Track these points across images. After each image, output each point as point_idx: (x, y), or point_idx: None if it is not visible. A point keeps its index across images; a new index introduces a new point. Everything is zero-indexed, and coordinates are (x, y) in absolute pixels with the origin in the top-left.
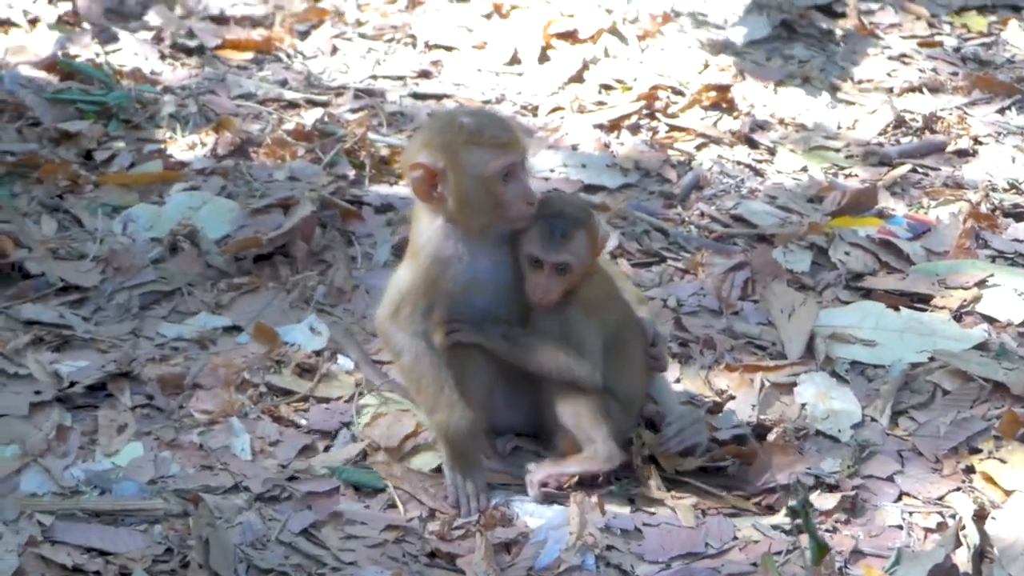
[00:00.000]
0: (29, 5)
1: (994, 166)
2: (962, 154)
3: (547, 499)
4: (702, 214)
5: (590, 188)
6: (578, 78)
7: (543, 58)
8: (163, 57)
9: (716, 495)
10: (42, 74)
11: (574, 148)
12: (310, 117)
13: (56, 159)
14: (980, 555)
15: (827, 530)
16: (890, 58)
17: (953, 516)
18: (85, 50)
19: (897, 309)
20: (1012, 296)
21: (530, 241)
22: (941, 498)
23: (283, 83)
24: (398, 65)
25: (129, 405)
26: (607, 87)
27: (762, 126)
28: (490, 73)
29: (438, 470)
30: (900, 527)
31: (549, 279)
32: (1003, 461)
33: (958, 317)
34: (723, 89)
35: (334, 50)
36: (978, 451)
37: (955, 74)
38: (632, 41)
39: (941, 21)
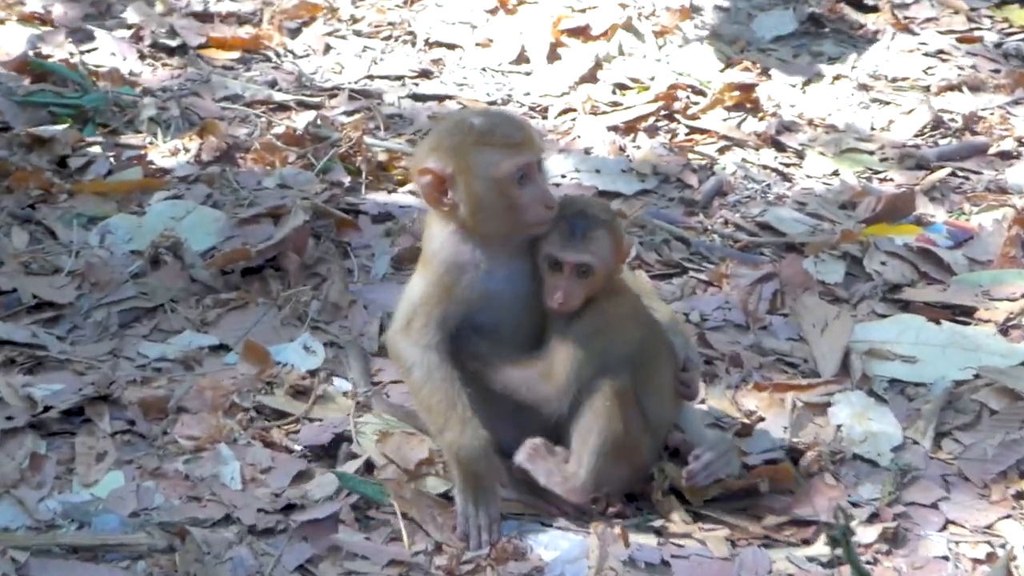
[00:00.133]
0: None
1: None
2: (1005, 156)
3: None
4: (726, 222)
5: (605, 195)
6: (591, 77)
7: (553, 56)
8: (143, 57)
9: (747, 526)
10: (12, 75)
11: (587, 152)
12: (302, 120)
13: (28, 166)
14: None
15: (867, 562)
16: (927, 54)
17: (1003, 546)
18: (58, 49)
19: (938, 323)
20: None
21: (549, 241)
22: (990, 526)
23: (272, 84)
24: (396, 64)
25: (109, 431)
26: (622, 87)
27: (789, 127)
28: (496, 72)
29: (445, 495)
30: (946, 558)
31: (569, 282)
32: None
33: (1004, 331)
34: (747, 88)
35: (327, 48)
36: None
37: (996, 71)
38: (648, 37)
39: (981, 15)
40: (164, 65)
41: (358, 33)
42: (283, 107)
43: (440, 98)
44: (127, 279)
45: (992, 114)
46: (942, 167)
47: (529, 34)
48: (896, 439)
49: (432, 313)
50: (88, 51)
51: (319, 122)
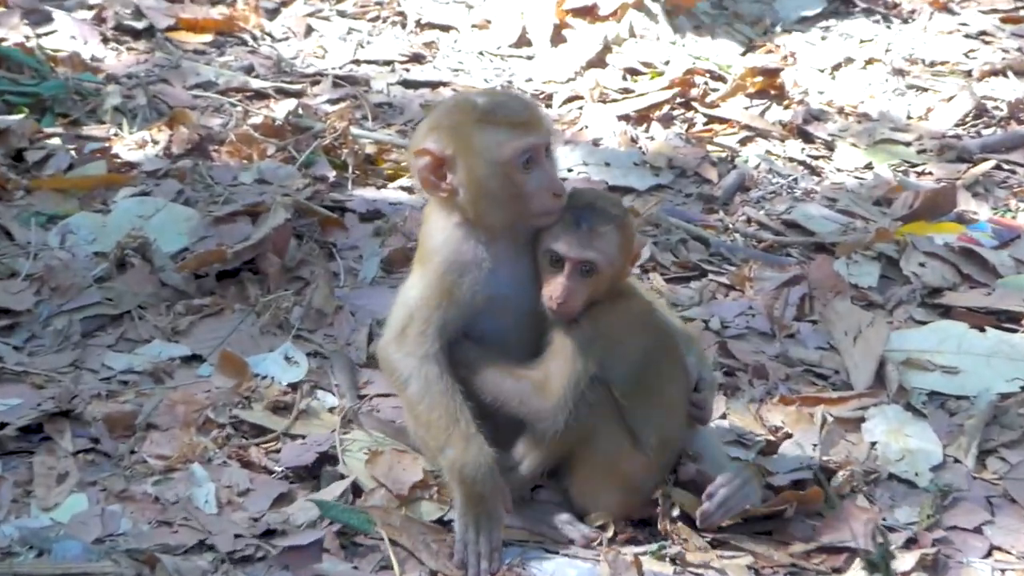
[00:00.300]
0: None
1: None
2: None
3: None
4: (749, 220)
5: (615, 190)
6: (599, 62)
7: (557, 39)
8: (106, 40)
9: (772, 553)
10: None
11: (595, 143)
12: (281, 109)
13: None
14: None
15: None
16: (968, 36)
17: None
18: (13, 32)
19: (982, 330)
20: None
21: (551, 235)
22: None
23: (248, 70)
24: (384, 48)
25: (71, 450)
26: (633, 72)
27: (818, 116)
28: (494, 56)
29: (440, 521)
30: None
31: (570, 281)
32: None
33: None
34: (771, 73)
35: (308, 31)
36: None
37: None
38: (661, 18)
39: None
40: (129, 49)
41: (342, 14)
42: (261, 95)
43: (433, 85)
44: (90, 284)
45: None
46: (986, 159)
47: (531, 14)
48: (936, 457)
49: (430, 319)
50: (46, 34)
51: (300, 111)
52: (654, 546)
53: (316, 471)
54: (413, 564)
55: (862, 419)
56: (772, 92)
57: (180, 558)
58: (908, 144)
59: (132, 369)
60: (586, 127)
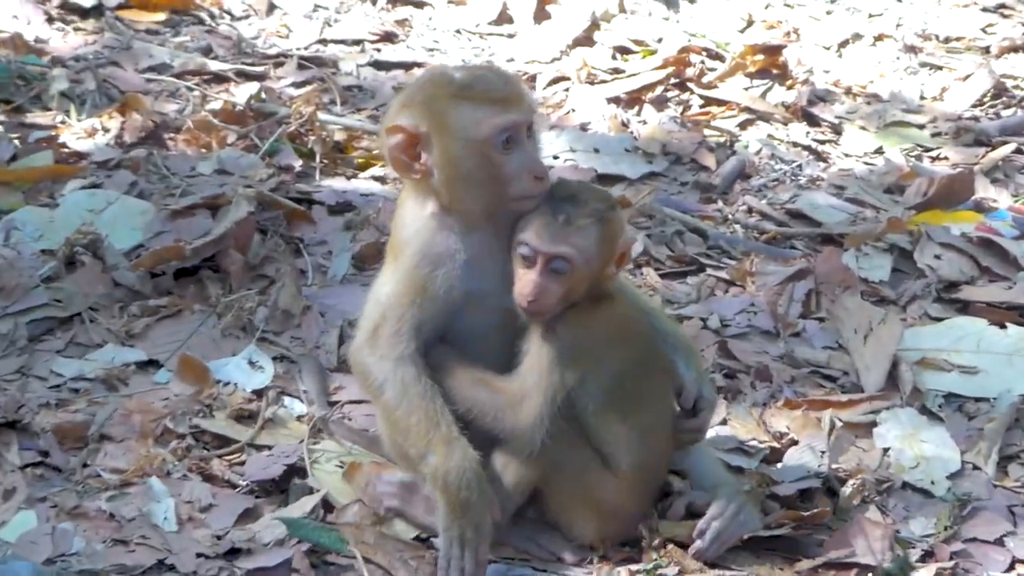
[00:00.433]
0: None
1: None
2: None
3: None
4: (750, 210)
5: (605, 179)
6: (586, 40)
7: (540, 15)
8: (51, 20)
9: (776, 571)
10: None
11: (583, 128)
12: (242, 94)
13: None
14: None
15: None
16: (985, 9)
17: None
18: None
19: (1003, 326)
20: None
21: (525, 225)
22: None
23: (206, 51)
24: (354, 27)
25: (18, 464)
26: (623, 50)
27: (823, 97)
28: (472, 35)
29: (420, 538)
30: None
31: (542, 278)
32: None
33: None
34: (772, 51)
35: (271, 8)
36: None
37: None
38: None
39: None
40: (77, 30)
41: None
42: (220, 78)
43: (407, 66)
44: (37, 284)
45: None
46: (1005, 143)
47: None
48: (953, 464)
49: (404, 317)
50: None
51: (263, 95)
52: (649, 565)
53: (284, 485)
54: None
55: (874, 424)
56: (774, 71)
57: None
58: (921, 127)
59: (83, 376)
60: (573, 110)
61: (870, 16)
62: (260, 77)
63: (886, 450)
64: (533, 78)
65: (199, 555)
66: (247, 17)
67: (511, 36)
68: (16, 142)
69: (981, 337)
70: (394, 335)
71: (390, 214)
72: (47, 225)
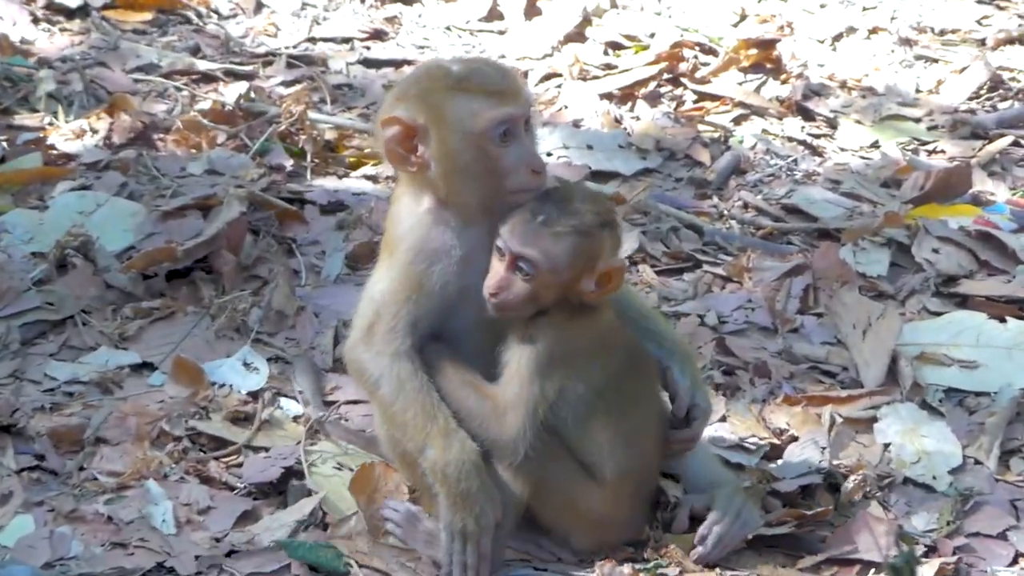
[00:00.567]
0: None
1: None
2: None
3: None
4: (745, 205)
5: (599, 175)
6: (577, 35)
7: (531, 11)
8: (36, 21)
9: (779, 568)
10: None
11: (576, 125)
12: (231, 93)
13: None
14: None
15: None
16: (980, 1)
17: None
18: None
19: (1002, 320)
20: None
21: (507, 218)
22: None
23: (194, 50)
24: (343, 24)
25: (14, 468)
26: (616, 46)
27: (818, 91)
28: (463, 32)
29: None
30: None
31: (507, 274)
32: None
33: None
34: (766, 45)
35: (259, 7)
36: None
37: None
38: None
39: None
40: (63, 30)
41: None
42: (208, 78)
43: (396, 63)
44: (29, 287)
45: None
46: (1002, 135)
47: None
48: (955, 459)
49: (399, 313)
50: None
51: (252, 95)
52: (650, 564)
53: (281, 486)
54: None
55: (874, 419)
56: (768, 65)
57: None
58: (917, 120)
59: (77, 379)
60: (565, 107)
61: (864, 9)
62: (249, 76)
63: (887, 445)
64: (525, 75)
65: (197, 557)
66: (235, 16)
67: (502, 33)
68: (4, 144)
69: (980, 331)
70: (389, 332)
71: (383, 213)
72: (37, 227)
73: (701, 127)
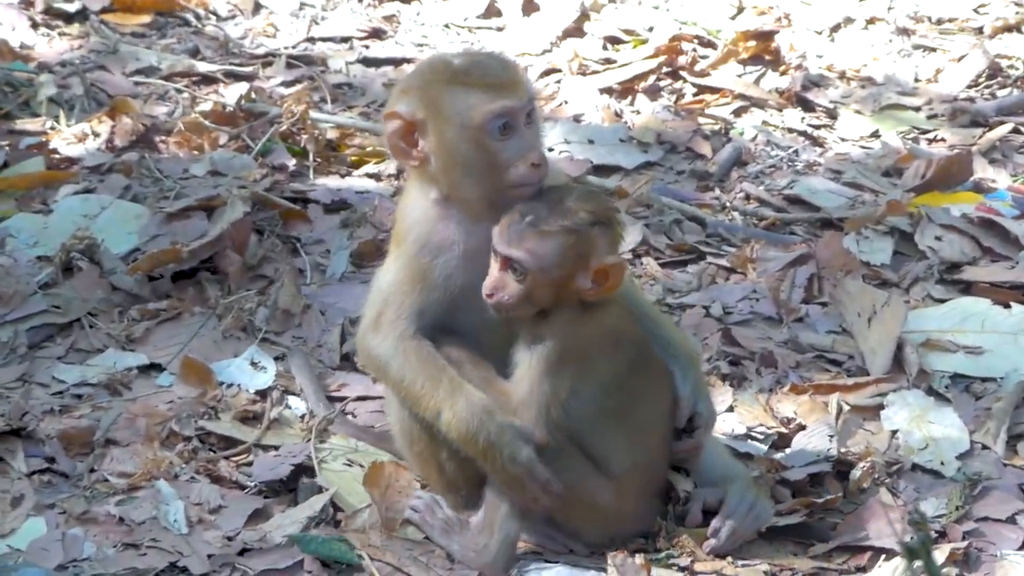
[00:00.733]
0: None
1: None
2: None
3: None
4: (748, 197)
5: (601, 169)
6: (576, 31)
7: (529, 7)
8: (35, 26)
9: (791, 556)
10: None
11: (577, 119)
12: (232, 94)
13: None
14: None
15: None
16: None
17: None
18: None
19: (1007, 306)
20: None
21: (502, 219)
22: None
23: (194, 52)
24: (341, 24)
25: (24, 471)
26: (614, 40)
27: (817, 82)
28: (461, 29)
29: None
30: None
31: (501, 275)
32: None
33: None
34: (765, 37)
35: (256, 8)
36: None
37: None
38: None
39: None
40: (62, 35)
41: None
42: (208, 79)
43: (396, 62)
44: (35, 291)
45: None
46: (1002, 123)
47: None
48: (962, 444)
49: (405, 303)
50: None
51: (253, 95)
52: (661, 554)
53: (292, 484)
54: None
55: (881, 406)
56: (767, 57)
57: None
58: (917, 109)
59: (86, 381)
60: (566, 102)
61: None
62: (249, 77)
63: (894, 432)
64: (524, 71)
65: (210, 556)
66: (233, 17)
67: (500, 29)
68: (6, 149)
69: (985, 317)
70: (396, 319)
71: (386, 211)
72: (42, 231)
73: (701, 120)
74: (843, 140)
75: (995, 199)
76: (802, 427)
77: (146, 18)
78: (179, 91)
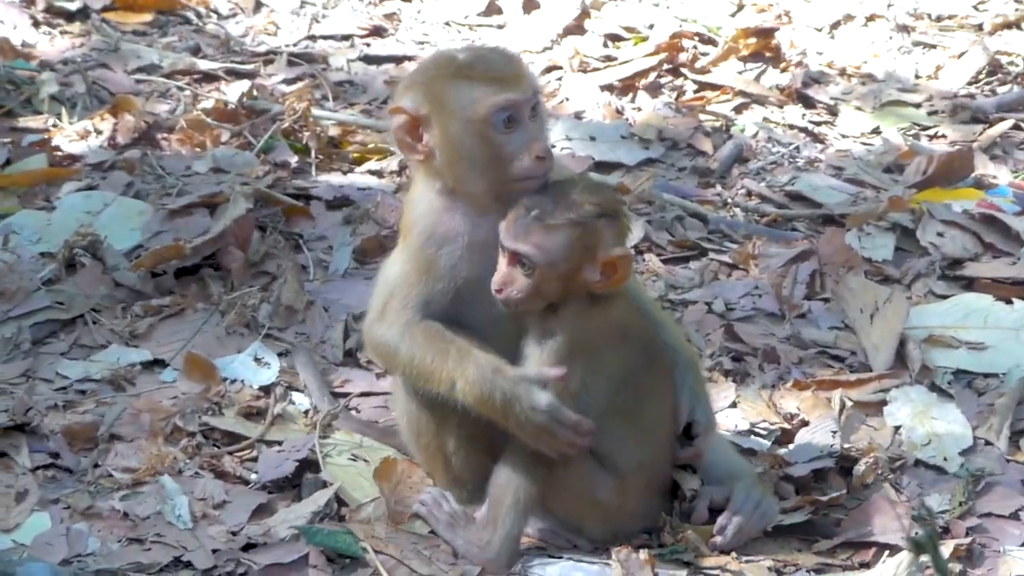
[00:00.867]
0: None
1: None
2: None
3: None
4: (749, 193)
5: (603, 166)
6: (576, 28)
7: (529, 4)
8: (37, 24)
9: (795, 552)
10: None
11: (578, 117)
12: (233, 92)
13: None
14: None
15: None
16: None
17: None
18: None
19: (1009, 302)
20: None
21: (506, 216)
22: None
23: (195, 50)
24: (342, 22)
25: (29, 466)
26: (615, 38)
27: (818, 79)
28: (462, 26)
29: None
30: None
31: (509, 269)
32: None
33: None
34: (765, 33)
35: (258, 6)
36: None
37: None
38: None
39: None
40: (64, 33)
41: None
42: (210, 77)
43: (397, 59)
44: (38, 287)
45: None
46: (1003, 119)
47: None
48: (965, 440)
49: (411, 293)
50: None
51: (255, 93)
52: (666, 550)
53: (296, 479)
54: (405, 573)
55: (884, 402)
56: (767, 54)
57: None
58: (918, 105)
59: (89, 377)
60: (567, 99)
61: None
62: (250, 75)
63: (897, 428)
64: (528, 65)
65: (214, 551)
66: (234, 15)
67: (501, 27)
68: (9, 146)
69: (988, 313)
70: (402, 308)
71: (389, 207)
72: (45, 228)
73: (702, 116)
74: (844, 136)
75: (996, 195)
76: (805, 423)
77: (147, 16)
78: (180, 89)
